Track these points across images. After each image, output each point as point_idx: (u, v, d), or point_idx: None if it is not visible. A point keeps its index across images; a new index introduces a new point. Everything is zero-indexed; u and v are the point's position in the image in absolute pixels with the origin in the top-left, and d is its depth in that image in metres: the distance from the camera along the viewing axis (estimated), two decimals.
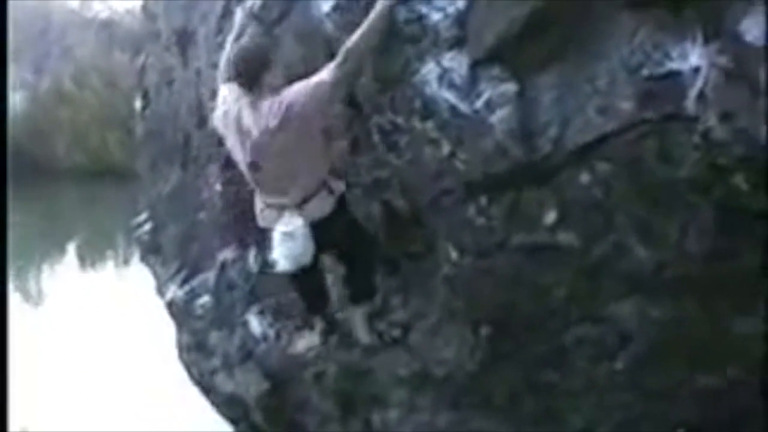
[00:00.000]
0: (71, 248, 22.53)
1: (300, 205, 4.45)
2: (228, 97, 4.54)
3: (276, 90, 4.25)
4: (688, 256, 3.78)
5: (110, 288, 17.35)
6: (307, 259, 4.54)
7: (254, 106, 4.30)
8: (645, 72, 3.54)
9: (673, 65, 3.48)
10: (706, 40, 3.43)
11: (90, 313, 14.31)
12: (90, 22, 33.53)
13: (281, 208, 4.51)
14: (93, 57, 30.89)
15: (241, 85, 4.35)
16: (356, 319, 5.20)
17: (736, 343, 3.90)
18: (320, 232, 4.51)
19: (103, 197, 25.12)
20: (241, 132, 4.38)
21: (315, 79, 4.17)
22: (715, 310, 3.89)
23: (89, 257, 21.79)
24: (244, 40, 4.81)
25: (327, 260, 5.05)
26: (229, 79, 4.61)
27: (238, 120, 4.38)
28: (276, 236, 4.52)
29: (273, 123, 4.22)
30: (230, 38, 4.94)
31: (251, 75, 4.27)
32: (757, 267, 3.64)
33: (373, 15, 4.08)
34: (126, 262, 19.56)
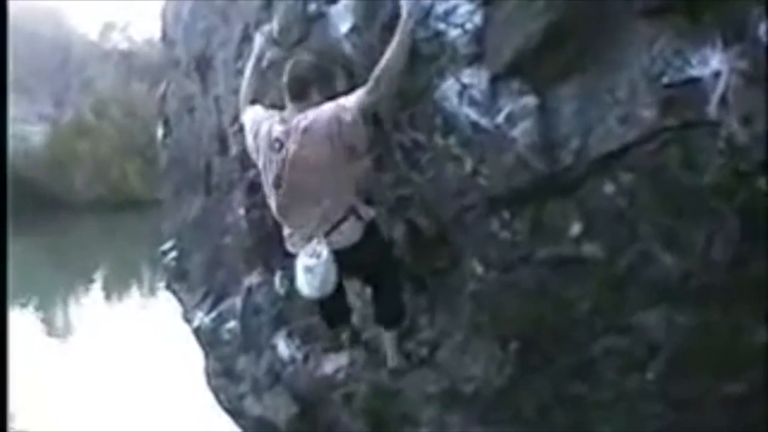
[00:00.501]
0: (96, 280, 22.70)
1: (327, 233, 4.41)
2: (256, 117, 4.56)
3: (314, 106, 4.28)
4: (713, 264, 3.75)
5: (136, 318, 17.47)
6: (330, 287, 4.50)
7: (286, 120, 4.32)
8: (665, 79, 3.53)
9: (694, 71, 3.48)
10: (726, 45, 3.42)
11: (117, 343, 14.41)
12: (109, 54, 33.93)
13: (309, 237, 4.47)
14: (113, 88, 31.27)
15: (291, 100, 4.36)
16: (386, 343, 5.18)
17: (762, 350, 3.86)
18: (347, 258, 4.47)
19: (125, 228, 25.33)
20: (272, 147, 4.37)
21: (343, 101, 4.18)
22: (740, 317, 3.86)
23: (115, 288, 21.95)
24: (302, 56, 4.69)
25: (353, 284, 5.06)
26: (253, 102, 4.66)
27: (269, 135, 4.37)
28: (299, 266, 4.50)
29: (299, 138, 4.22)
30: (250, 63, 4.96)
31: (300, 91, 4.31)
32: None
33: (396, 38, 4.08)
34: (151, 291, 19.71)
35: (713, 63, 3.44)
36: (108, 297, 21.42)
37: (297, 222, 4.52)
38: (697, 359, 4.12)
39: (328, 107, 4.21)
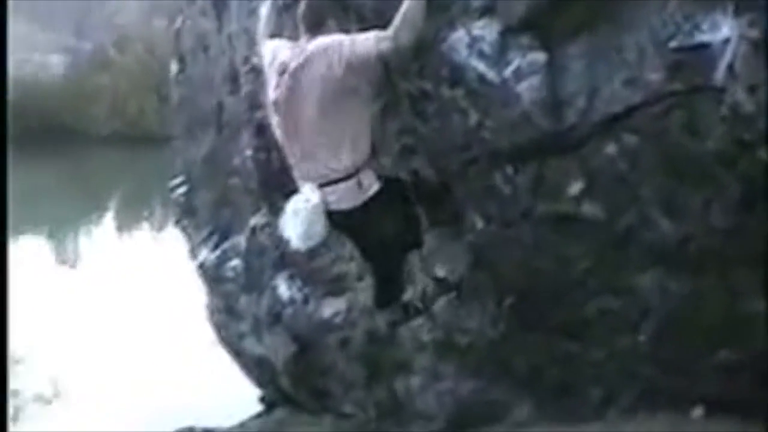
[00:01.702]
0: (108, 212, 22.85)
1: (322, 185, 4.19)
2: (275, 48, 4.38)
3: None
4: (711, 230, 3.77)
5: (146, 251, 17.61)
6: (314, 240, 4.33)
7: (296, 44, 4.20)
8: (674, 43, 3.51)
9: (704, 37, 3.45)
10: (737, 12, 3.40)
11: (124, 275, 14.55)
12: None
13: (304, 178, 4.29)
14: (134, 24, 31.16)
15: (306, 31, 4.17)
16: (378, 320, 5.18)
17: (755, 319, 3.88)
18: (341, 221, 4.30)
19: (140, 163, 25.39)
20: (278, 70, 4.20)
21: (359, 36, 4.01)
22: (735, 285, 3.89)
23: (126, 221, 22.09)
24: None
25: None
26: (271, 36, 4.55)
27: (279, 60, 4.23)
28: (288, 207, 4.30)
29: (301, 60, 4.08)
30: (268, 1, 4.84)
31: (316, 22, 4.15)
32: None
33: None
34: (161, 227, 19.83)
35: (723, 29, 3.42)
36: (119, 229, 21.57)
37: (296, 155, 4.31)
38: (691, 324, 4.16)
39: (339, 37, 4.06)
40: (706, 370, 4.23)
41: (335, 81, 4.02)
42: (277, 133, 4.41)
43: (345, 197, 4.20)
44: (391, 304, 4.91)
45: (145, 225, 21.93)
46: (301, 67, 4.09)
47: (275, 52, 4.34)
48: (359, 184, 4.18)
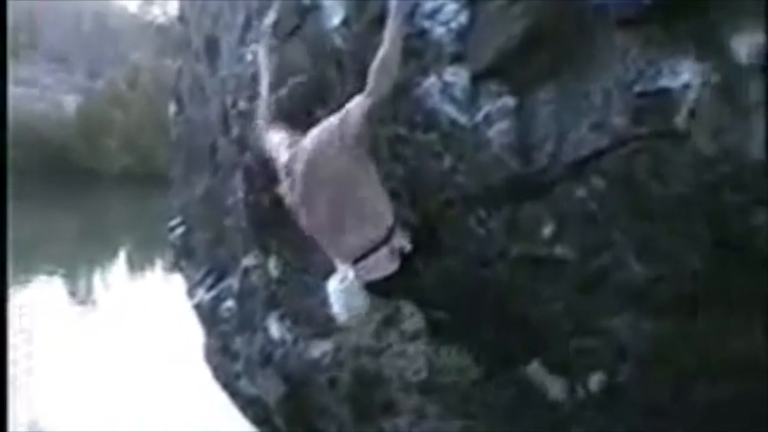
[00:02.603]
0: (121, 251, 23.00)
1: (356, 261, 4.18)
2: (274, 143, 4.40)
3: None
4: (681, 272, 3.79)
5: (158, 291, 17.71)
6: (358, 312, 4.37)
7: (291, 145, 4.18)
8: (638, 88, 3.57)
9: (665, 82, 3.51)
10: (698, 58, 3.45)
11: (136, 315, 14.64)
12: (147, 27, 34.13)
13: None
14: (147, 60, 31.50)
15: (294, 126, 4.21)
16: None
17: (730, 359, 3.89)
18: (380, 288, 4.29)
19: (152, 199, 25.59)
20: (285, 173, 4.22)
21: (344, 110, 4.02)
22: (708, 326, 3.90)
23: (138, 261, 22.23)
24: (296, 79, 4.45)
25: None
26: (274, 120, 4.49)
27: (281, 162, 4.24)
28: (331, 292, 4.34)
29: (305, 158, 4.08)
30: (264, 82, 4.76)
31: (304, 113, 4.18)
32: (750, 284, 3.64)
33: (387, 35, 3.92)
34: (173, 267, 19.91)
35: (685, 75, 3.48)
36: (131, 269, 21.70)
37: (324, 242, 4.34)
38: (666, 365, 4.17)
39: (328, 121, 4.05)
40: (682, 410, 4.23)
41: (342, 165, 4.02)
42: (301, 222, 4.39)
43: (378, 266, 4.19)
44: None
45: (158, 264, 22.05)
46: (307, 169, 4.08)
47: (277, 150, 4.34)
48: (391, 249, 4.18)
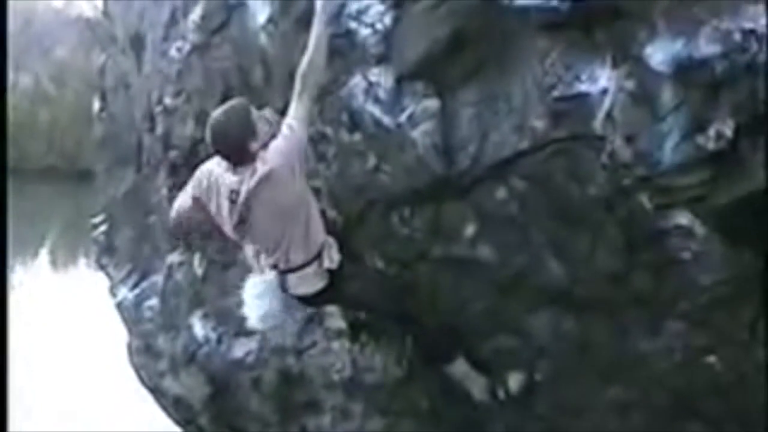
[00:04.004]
0: (44, 249, 22.52)
1: (284, 272, 4.16)
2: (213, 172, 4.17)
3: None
4: (597, 273, 3.89)
5: (81, 288, 17.40)
6: (273, 321, 4.50)
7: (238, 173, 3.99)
8: (556, 92, 3.66)
9: (583, 87, 3.61)
10: (615, 64, 3.55)
11: (59, 312, 14.36)
12: (73, 21, 33.44)
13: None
14: (73, 57, 30.85)
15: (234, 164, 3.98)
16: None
17: (642, 358, 4.00)
18: (307, 301, 4.38)
19: (77, 198, 25.11)
20: (228, 197, 4.04)
21: (284, 131, 3.92)
22: (622, 326, 4.00)
23: (61, 258, 21.78)
24: (217, 113, 4.04)
25: None
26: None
27: (223, 184, 4.08)
28: (245, 294, 4.45)
29: (264, 185, 3.92)
30: None
31: (240, 147, 3.91)
32: (660, 286, 3.75)
33: (313, 35, 3.95)
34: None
35: (602, 80, 3.57)
36: (54, 267, 21.27)
37: (260, 257, 4.24)
38: (582, 364, 4.26)
39: (273, 144, 3.90)
40: (598, 408, 4.32)
41: (287, 182, 3.94)
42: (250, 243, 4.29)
43: (307, 282, 4.19)
44: None
45: (81, 261, 21.65)
46: (254, 191, 3.94)
47: (214, 175, 4.15)
48: (320, 265, 4.16)
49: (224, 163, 4.02)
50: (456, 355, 4.62)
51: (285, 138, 3.88)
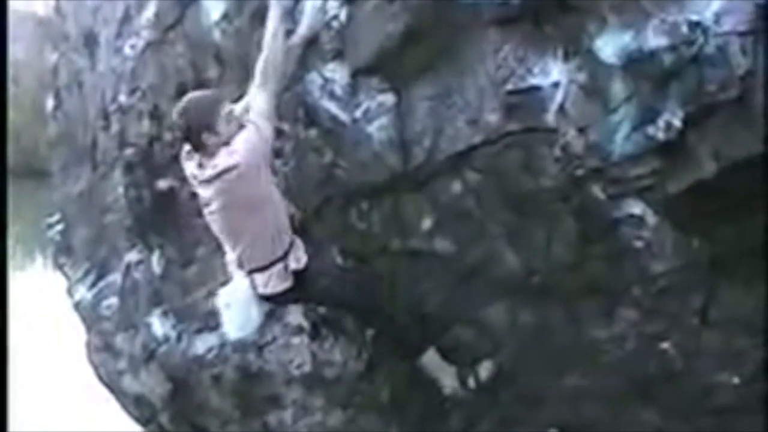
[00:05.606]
0: None
1: (251, 271, 4.19)
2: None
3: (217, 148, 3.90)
4: (553, 263, 3.95)
5: (37, 288, 17.22)
6: (252, 327, 4.48)
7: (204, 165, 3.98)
8: (509, 86, 3.70)
9: (535, 80, 3.66)
10: (566, 57, 3.60)
11: (14, 313, 14.18)
12: (25, 19, 32.98)
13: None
14: (27, 55, 30.49)
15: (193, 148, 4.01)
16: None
17: (597, 346, 4.08)
18: (276, 301, 4.43)
19: (35, 198, 24.84)
20: (201, 185, 4.05)
21: (248, 123, 3.90)
22: (577, 315, 4.07)
23: (18, 258, 21.54)
24: (185, 99, 4.08)
25: None
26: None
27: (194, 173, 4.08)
28: (220, 303, 4.41)
29: (232, 179, 3.89)
30: None
31: (195, 136, 3.91)
32: (613, 274, 3.82)
33: (269, 30, 3.97)
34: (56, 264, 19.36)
35: (553, 74, 3.62)
36: (11, 266, 20.99)
37: (234, 251, 4.22)
38: (540, 353, 4.32)
39: (240, 136, 3.85)
40: (555, 396, 4.40)
41: (251, 177, 3.93)
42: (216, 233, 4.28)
43: (274, 283, 4.20)
44: None
45: (39, 261, 21.44)
46: (215, 180, 3.93)
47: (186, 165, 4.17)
48: (286, 266, 4.17)
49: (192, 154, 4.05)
50: (426, 347, 4.66)
51: (252, 133, 3.87)
